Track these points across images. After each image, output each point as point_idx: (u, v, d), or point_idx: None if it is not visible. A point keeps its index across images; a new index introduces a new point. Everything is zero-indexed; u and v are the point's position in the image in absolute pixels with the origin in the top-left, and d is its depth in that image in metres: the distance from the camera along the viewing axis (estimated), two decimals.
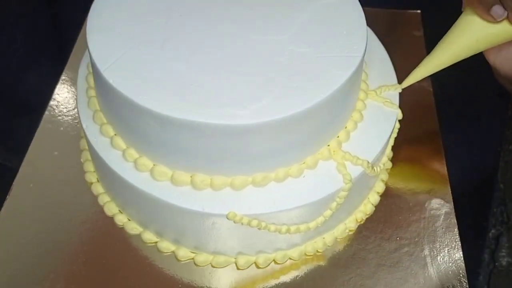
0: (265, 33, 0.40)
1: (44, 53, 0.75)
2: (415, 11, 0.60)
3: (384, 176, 0.47)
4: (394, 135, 0.44)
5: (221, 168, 0.38)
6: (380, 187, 0.47)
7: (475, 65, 0.61)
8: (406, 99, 0.45)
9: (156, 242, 0.43)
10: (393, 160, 0.48)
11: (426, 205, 0.45)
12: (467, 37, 0.40)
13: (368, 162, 0.40)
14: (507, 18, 0.37)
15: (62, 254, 0.43)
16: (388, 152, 0.45)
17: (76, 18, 0.56)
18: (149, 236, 0.43)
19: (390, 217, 0.45)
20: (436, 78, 0.52)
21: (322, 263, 0.43)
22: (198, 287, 0.41)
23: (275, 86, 0.36)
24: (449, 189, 0.46)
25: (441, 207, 0.45)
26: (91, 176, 0.46)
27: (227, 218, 0.37)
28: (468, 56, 0.42)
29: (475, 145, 0.66)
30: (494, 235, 0.62)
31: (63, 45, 0.77)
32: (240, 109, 0.35)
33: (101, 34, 0.39)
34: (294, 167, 0.39)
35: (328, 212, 0.40)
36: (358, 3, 0.42)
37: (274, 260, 0.42)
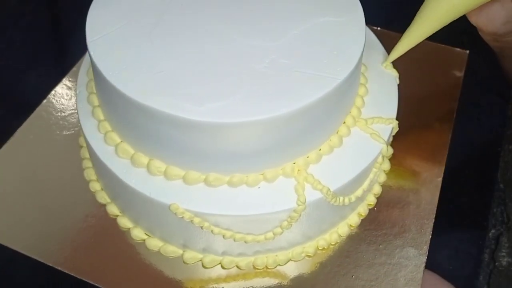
0: (254, 38, 0.39)
1: (44, 53, 0.75)
2: (463, 50, 0.57)
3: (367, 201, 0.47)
4: (376, 170, 0.42)
5: (175, 160, 0.38)
6: (360, 212, 0.46)
7: (475, 65, 0.61)
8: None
9: (144, 240, 0.43)
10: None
11: (397, 251, 0.43)
12: (445, 2, 0.40)
13: (329, 189, 0.38)
14: None
15: (57, 246, 0.43)
16: (367, 186, 0.43)
17: (76, 18, 0.56)
18: (139, 233, 0.43)
19: (354, 253, 0.43)
20: None
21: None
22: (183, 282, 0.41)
23: (239, 90, 0.36)
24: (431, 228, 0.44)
25: (412, 257, 0.43)
26: (90, 175, 0.47)
27: (169, 209, 0.37)
28: (449, 22, 0.42)
29: (475, 145, 0.66)
30: (494, 235, 0.62)
31: (63, 45, 0.77)
32: (197, 105, 0.35)
33: (100, 33, 0.39)
34: (251, 176, 0.38)
35: (278, 230, 0.39)
36: (364, 28, 0.41)
37: (253, 264, 0.42)
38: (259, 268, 0.42)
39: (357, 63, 0.38)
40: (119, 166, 0.40)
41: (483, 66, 0.54)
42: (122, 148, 0.40)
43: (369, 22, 0.42)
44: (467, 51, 0.56)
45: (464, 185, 0.57)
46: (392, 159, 0.48)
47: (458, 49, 0.57)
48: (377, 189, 0.46)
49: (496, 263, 0.65)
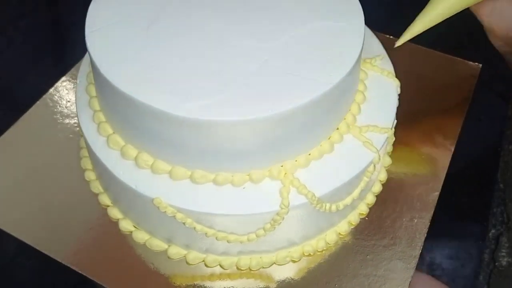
0: (249, 38, 0.39)
1: (44, 53, 0.75)
2: (476, 64, 0.56)
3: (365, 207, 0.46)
4: (367, 179, 0.42)
5: (163, 154, 0.38)
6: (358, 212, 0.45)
7: None
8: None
9: (146, 240, 0.44)
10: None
11: (384, 263, 0.42)
12: None
13: (314, 195, 0.38)
14: None
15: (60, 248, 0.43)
16: (357, 194, 0.42)
17: (76, 18, 0.56)
18: (127, 225, 0.44)
19: (340, 262, 0.42)
20: None
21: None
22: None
23: (228, 89, 0.36)
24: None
25: (399, 271, 0.42)
26: (86, 164, 0.47)
27: (153, 203, 0.38)
28: (465, 7, 0.40)
29: (475, 145, 0.66)
30: (494, 235, 0.62)
31: (63, 45, 0.77)
32: (184, 101, 0.35)
33: (100, 32, 0.39)
34: (237, 176, 0.38)
35: (260, 232, 0.39)
36: (362, 34, 0.40)
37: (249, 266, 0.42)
38: (242, 269, 0.42)
39: (351, 69, 0.38)
40: (110, 157, 0.40)
41: (483, 66, 0.54)
42: (113, 139, 0.40)
43: (370, 22, 0.42)
44: (480, 65, 0.55)
45: (464, 185, 0.57)
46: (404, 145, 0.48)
47: (471, 63, 0.56)
48: (371, 199, 0.46)
49: (496, 263, 0.65)
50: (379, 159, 0.41)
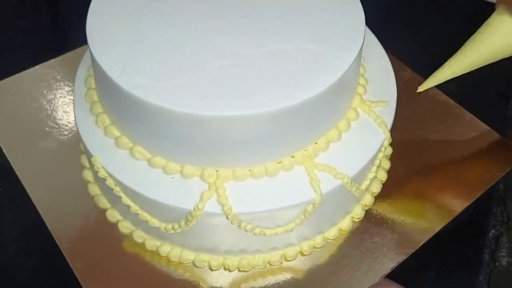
0: (251, 32, 0.39)
1: (44, 53, 0.75)
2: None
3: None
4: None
5: (160, 151, 0.38)
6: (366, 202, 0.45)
7: None
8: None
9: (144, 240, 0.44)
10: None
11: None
12: (499, 38, 0.37)
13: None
14: None
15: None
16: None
17: (76, 18, 0.56)
18: (114, 214, 0.44)
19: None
20: None
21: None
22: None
23: (226, 85, 0.36)
24: None
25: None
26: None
27: (92, 161, 0.39)
28: (497, 60, 0.38)
29: None
30: (494, 235, 0.62)
31: (63, 45, 0.77)
32: (187, 97, 0.35)
33: (101, 30, 0.39)
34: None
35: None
36: (358, 40, 0.39)
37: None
38: (173, 260, 0.42)
39: (346, 70, 0.37)
40: (92, 135, 0.40)
41: (483, 66, 0.54)
42: (101, 119, 0.40)
43: (369, 23, 0.42)
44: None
45: None
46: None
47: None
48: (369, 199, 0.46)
49: (496, 263, 0.65)
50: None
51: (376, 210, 0.45)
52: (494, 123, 0.52)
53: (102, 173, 0.39)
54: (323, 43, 0.38)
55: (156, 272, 0.42)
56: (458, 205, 0.46)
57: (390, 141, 0.42)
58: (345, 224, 0.44)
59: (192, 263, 0.42)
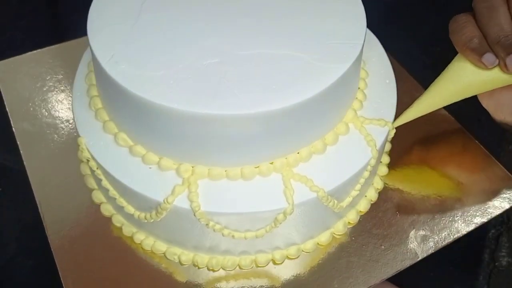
0: (250, 33, 0.39)
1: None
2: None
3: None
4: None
5: (142, 141, 0.39)
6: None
7: None
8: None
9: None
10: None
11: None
12: (459, 82, 0.41)
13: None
14: (499, 65, 0.38)
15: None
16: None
17: (76, 18, 0.56)
18: (108, 208, 0.44)
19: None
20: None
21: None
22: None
23: (225, 84, 0.35)
24: None
25: None
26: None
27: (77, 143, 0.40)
28: (460, 99, 0.42)
29: None
30: (494, 235, 0.62)
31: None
32: (188, 96, 0.35)
33: (102, 29, 0.39)
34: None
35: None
36: (351, 55, 0.38)
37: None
38: (145, 248, 0.42)
39: (351, 64, 0.37)
40: (84, 116, 0.41)
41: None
42: (94, 102, 0.41)
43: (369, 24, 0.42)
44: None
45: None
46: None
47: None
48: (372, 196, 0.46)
49: (496, 263, 0.65)
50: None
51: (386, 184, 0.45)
52: (494, 123, 0.52)
53: (85, 154, 0.39)
54: (315, 52, 0.38)
55: (135, 258, 0.42)
56: (462, 176, 0.47)
57: (386, 162, 0.42)
58: (324, 239, 0.43)
59: (163, 255, 0.42)
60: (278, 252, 0.42)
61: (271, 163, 0.37)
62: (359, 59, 0.39)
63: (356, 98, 0.42)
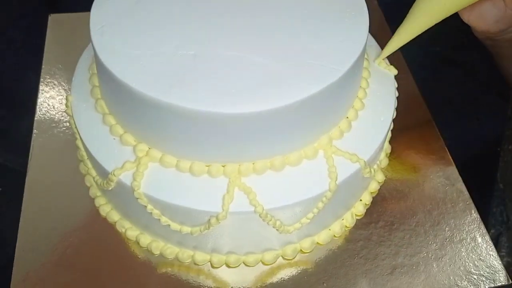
0: (252, 32, 0.39)
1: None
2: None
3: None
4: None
5: (131, 130, 0.39)
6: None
7: (475, 65, 0.61)
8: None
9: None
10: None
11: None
12: (435, 1, 0.41)
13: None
14: None
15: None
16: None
17: None
18: (101, 201, 0.45)
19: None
20: (436, 78, 0.52)
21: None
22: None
23: (225, 83, 0.35)
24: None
25: None
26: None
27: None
28: (440, 20, 0.42)
29: (475, 145, 0.66)
30: (494, 235, 0.62)
31: None
32: (193, 94, 0.35)
33: (104, 28, 0.39)
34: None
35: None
36: (367, 29, 0.39)
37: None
38: (142, 245, 0.42)
39: (354, 62, 0.38)
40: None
41: (483, 66, 0.54)
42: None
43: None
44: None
45: (464, 184, 0.57)
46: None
47: None
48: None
49: None
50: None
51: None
52: (494, 123, 0.53)
53: (68, 111, 0.41)
54: (308, 56, 0.38)
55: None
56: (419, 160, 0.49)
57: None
58: (268, 257, 0.42)
59: (146, 248, 0.43)
60: (233, 256, 0.42)
61: (223, 166, 0.37)
62: (343, 77, 0.37)
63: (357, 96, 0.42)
